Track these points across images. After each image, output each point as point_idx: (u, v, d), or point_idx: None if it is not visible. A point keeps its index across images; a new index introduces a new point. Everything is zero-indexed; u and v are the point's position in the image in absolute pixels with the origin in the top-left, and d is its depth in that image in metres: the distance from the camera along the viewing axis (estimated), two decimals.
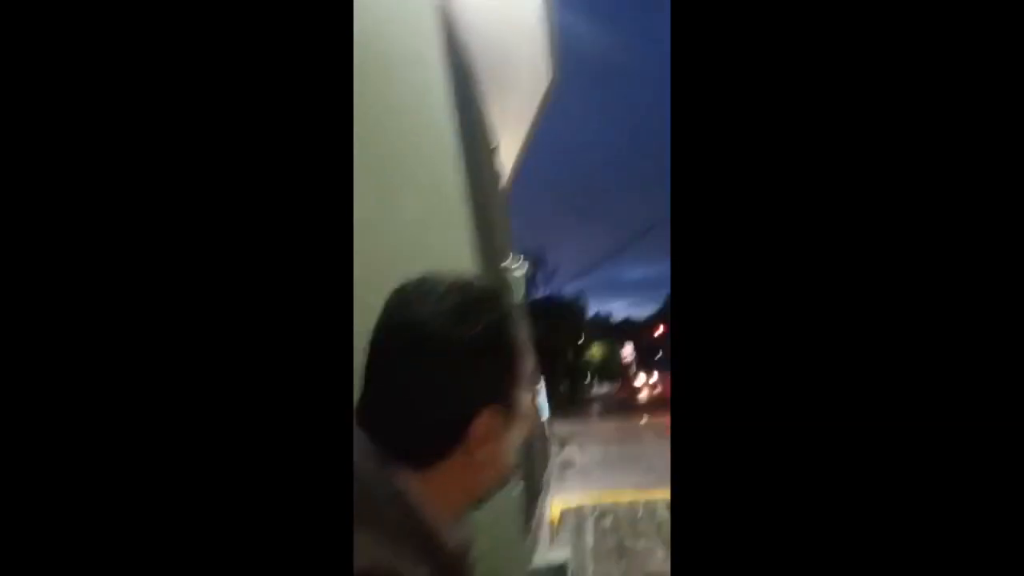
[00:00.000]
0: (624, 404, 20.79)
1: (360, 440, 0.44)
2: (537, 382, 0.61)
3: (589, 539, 4.28)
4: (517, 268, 1.24)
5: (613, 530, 4.42)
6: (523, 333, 0.50)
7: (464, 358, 0.45)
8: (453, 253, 0.86)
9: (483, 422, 0.45)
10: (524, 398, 0.49)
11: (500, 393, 0.47)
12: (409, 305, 0.46)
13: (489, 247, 0.92)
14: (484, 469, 0.47)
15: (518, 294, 1.11)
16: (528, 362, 0.50)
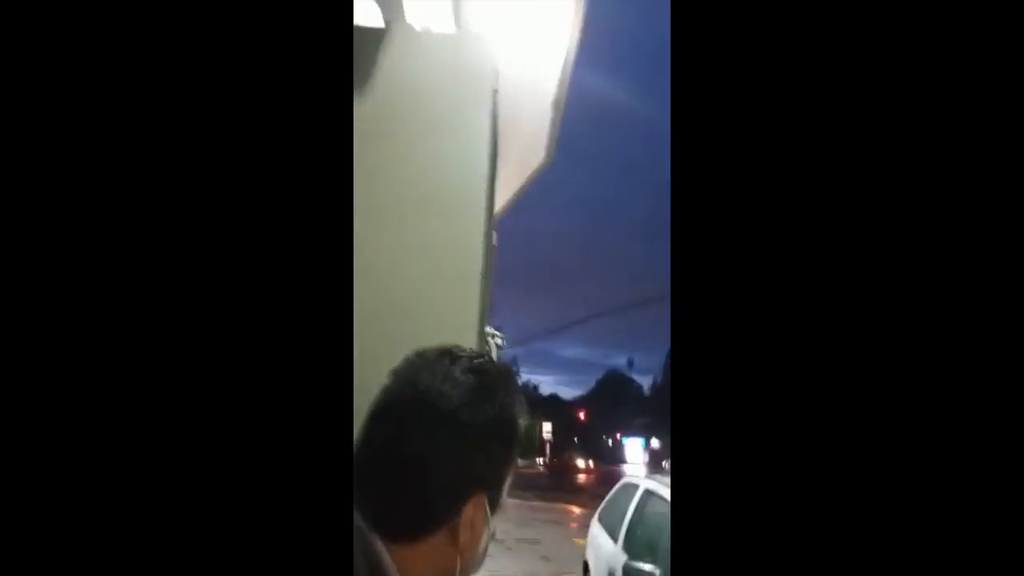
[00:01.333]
0: (532, 483, 20.40)
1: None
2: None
3: None
4: (499, 337, 1.23)
5: None
6: (524, 420, 0.50)
7: (475, 439, 0.45)
8: (462, 315, 0.85)
9: (474, 506, 0.45)
10: (506, 485, 0.49)
11: (496, 479, 0.47)
12: (431, 375, 0.45)
13: (484, 314, 0.92)
14: (463, 553, 0.45)
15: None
16: (518, 450, 0.50)
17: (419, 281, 0.83)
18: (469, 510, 0.45)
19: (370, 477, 0.44)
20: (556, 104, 2.69)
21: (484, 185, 0.89)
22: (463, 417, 0.44)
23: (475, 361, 0.47)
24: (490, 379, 0.47)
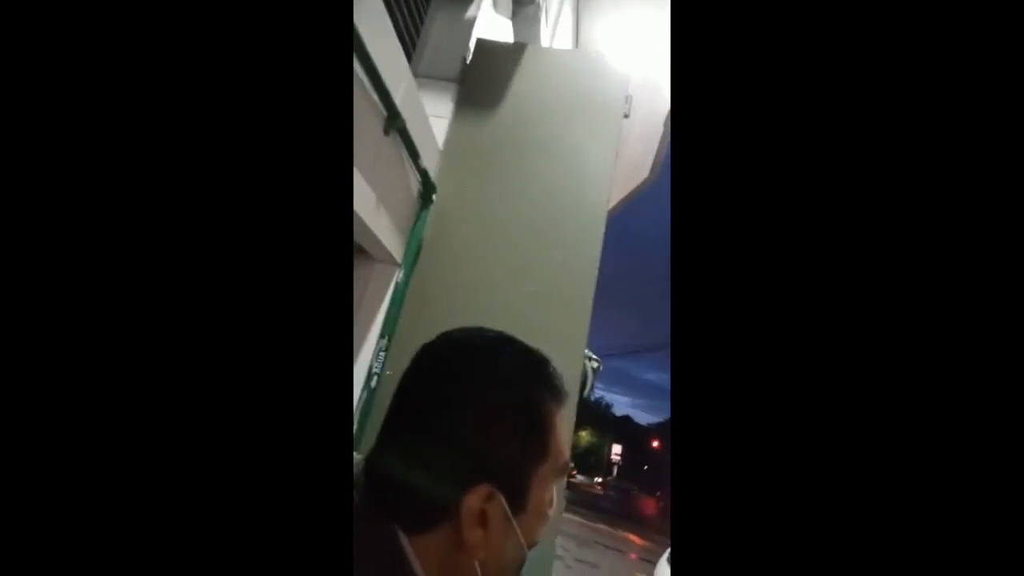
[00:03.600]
0: (594, 504, 19.88)
1: (361, 486, 0.41)
2: (564, 479, 0.52)
3: None
4: (595, 361, 1.20)
5: None
6: (565, 423, 0.45)
7: (484, 421, 0.40)
8: (570, 336, 0.84)
9: (480, 498, 0.39)
10: (540, 491, 0.42)
11: (513, 474, 0.41)
12: (459, 353, 0.43)
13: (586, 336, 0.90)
14: (474, 552, 0.39)
15: (587, 386, 1.07)
16: (559, 455, 0.44)
17: (533, 300, 0.83)
18: (473, 502, 0.39)
19: (386, 458, 0.41)
20: (668, 122, 2.61)
21: (603, 211, 0.87)
22: (472, 394, 0.40)
23: (516, 346, 0.44)
24: (520, 362, 0.43)
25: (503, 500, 0.40)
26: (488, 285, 0.85)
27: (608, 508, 19.77)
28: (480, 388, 0.41)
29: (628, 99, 0.96)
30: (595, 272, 0.87)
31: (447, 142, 1.03)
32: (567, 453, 0.45)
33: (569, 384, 0.83)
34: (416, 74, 1.17)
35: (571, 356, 0.80)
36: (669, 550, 4.23)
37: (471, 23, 1.09)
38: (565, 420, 0.45)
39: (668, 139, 2.69)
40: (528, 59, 0.99)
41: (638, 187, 3.21)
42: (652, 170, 3.00)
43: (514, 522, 0.40)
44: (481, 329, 0.46)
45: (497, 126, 0.95)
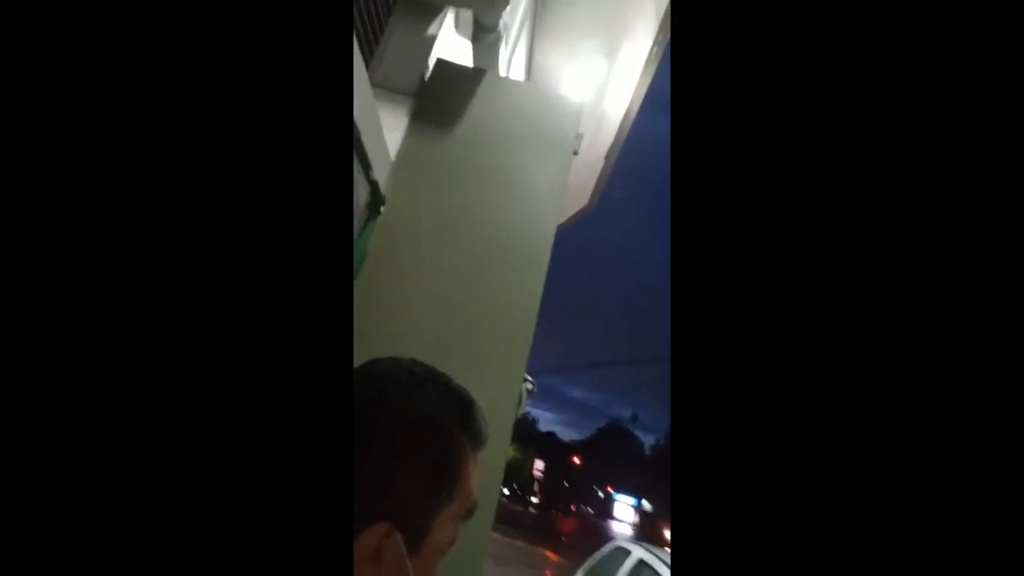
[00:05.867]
0: (513, 520, 19.86)
1: None
2: (468, 518, 0.45)
3: None
4: (530, 383, 1.22)
5: None
6: (470, 462, 0.43)
7: (371, 450, 0.38)
8: (510, 358, 0.85)
9: (375, 536, 0.38)
10: (441, 533, 0.41)
11: (408, 511, 0.39)
12: (369, 385, 0.42)
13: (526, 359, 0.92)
14: None
15: (521, 407, 1.09)
16: (467, 498, 0.42)
17: (475, 323, 0.83)
18: (369, 539, 0.37)
19: None
20: (609, 154, 2.74)
21: (548, 243, 0.90)
22: (385, 432, 0.39)
23: (442, 385, 0.43)
24: (442, 403, 0.42)
25: (400, 539, 0.38)
26: (431, 304, 0.85)
27: (527, 524, 19.78)
28: (394, 427, 0.40)
29: (579, 137, 1.00)
30: (537, 305, 0.89)
31: (399, 155, 1.03)
32: (476, 496, 0.43)
33: (503, 415, 0.85)
34: (372, 83, 1.15)
35: (509, 382, 0.81)
36: (582, 568, 4.30)
37: (432, 40, 1.10)
38: (486, 460, 0.45)
39: (609, 169, 2.82)
40: (487, 86, 1.02)
41: (577, 214, 3.32)
42: (591, 198, 3.12)
43: (408, 563, 0.39)
44: (411, 362, 0.45)
45: (452, 146, 0.96)
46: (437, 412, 0.42)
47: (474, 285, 0.89)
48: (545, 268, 0.90)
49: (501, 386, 0.82)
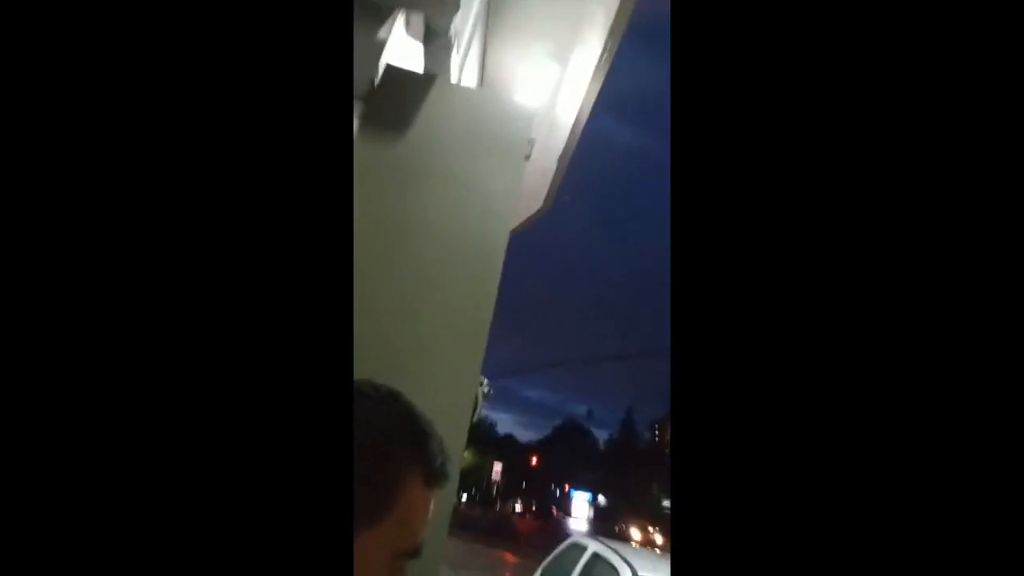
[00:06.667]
0: (471, 524, 19.73)
1: None
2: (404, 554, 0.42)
3: None
4: (486, 385, 1.23)
5: None
6: (415, 492, 0.41)
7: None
8: (464, 361, 0.86)
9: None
10: (359, 554, 0.38)
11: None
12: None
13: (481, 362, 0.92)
14: None
15: (477, 411, 1.09)
16: (410, 535, 0.41)
17: (428, 327, 0.83)
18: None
19: None
20: (563, 157, 2.78)
21: (502, 247, 0.91)
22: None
23: (401, 407, 0.43)
24: (396, 430, 0.42)
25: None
26: (384, 309, 0.84)
27: (485, 527, 19.69)
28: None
29: (530, 142, 1.02)
30: (491, 308, 0.90)
31: None
32: (419, 537, 0.42)
33: (459, 419, 0.85)
34: None
35: (464, 386, 0.81)
36: (542, 567, 4.34)
37: (382, 44, 1.09)
38: (437, 500, 0.43)
39: (562, 172, 2.86)
40: (437, 92, 1.02)
41: (532, 216, 3.35)
42: (546, 200, 3.15)
43: None
44: (368, 384, 0.44)
45: (402, 151, 0.95)
46: (383, 425, 0.41)
47: (427, 290, 0.88)
48: (499, 273, 0.91)
49: (456, 389, 0.82)
